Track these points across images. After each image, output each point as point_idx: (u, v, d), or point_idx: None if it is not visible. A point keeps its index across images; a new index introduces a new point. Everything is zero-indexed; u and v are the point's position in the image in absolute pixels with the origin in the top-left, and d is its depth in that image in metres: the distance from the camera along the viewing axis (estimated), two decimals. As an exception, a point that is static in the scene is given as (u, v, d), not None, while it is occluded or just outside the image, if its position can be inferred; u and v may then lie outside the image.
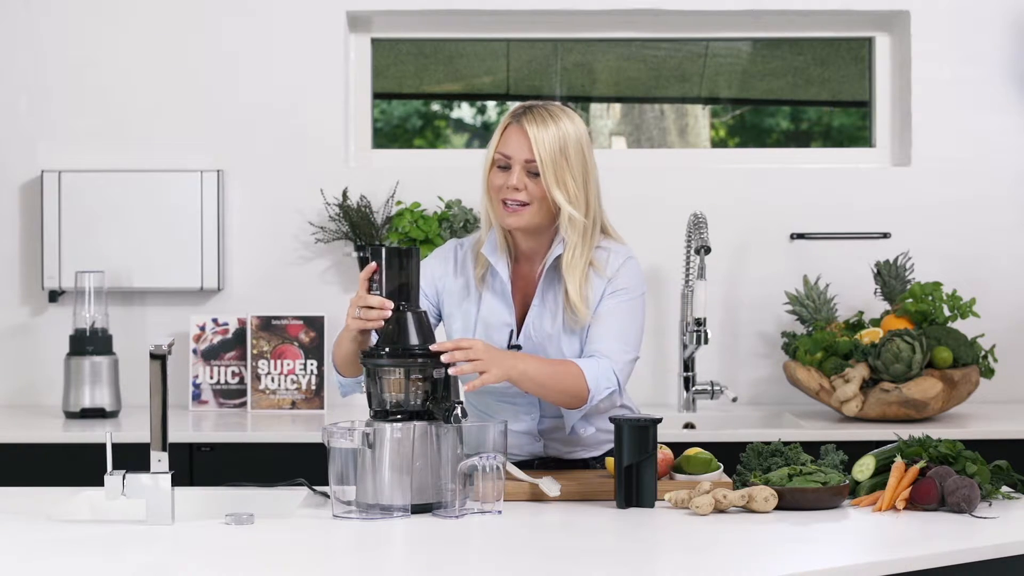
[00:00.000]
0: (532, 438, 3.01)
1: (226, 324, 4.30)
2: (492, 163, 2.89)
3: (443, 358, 2.67)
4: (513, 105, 3.01)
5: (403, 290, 2.70)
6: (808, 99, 4.79)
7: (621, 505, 2.70)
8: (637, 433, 2.70)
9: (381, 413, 2.67)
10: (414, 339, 2.68)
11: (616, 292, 2.91)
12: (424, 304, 2.93)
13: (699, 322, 4.15)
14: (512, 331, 2.94)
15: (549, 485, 2.77)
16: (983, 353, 4.05)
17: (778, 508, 2.65)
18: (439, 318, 3.03)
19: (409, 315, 2.69)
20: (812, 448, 2.96)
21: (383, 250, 2.70)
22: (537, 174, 2.85)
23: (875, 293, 4.29)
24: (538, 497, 2.77)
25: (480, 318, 2.96)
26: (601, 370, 2.85)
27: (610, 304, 2.91)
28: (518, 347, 2.92)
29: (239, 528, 2.53)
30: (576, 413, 2.92)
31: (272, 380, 4.25)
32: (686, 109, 4.76)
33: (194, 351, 4.29)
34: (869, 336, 4.01)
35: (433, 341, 2.71)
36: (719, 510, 2.65)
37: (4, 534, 2.50)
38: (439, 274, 3.01)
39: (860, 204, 4.44)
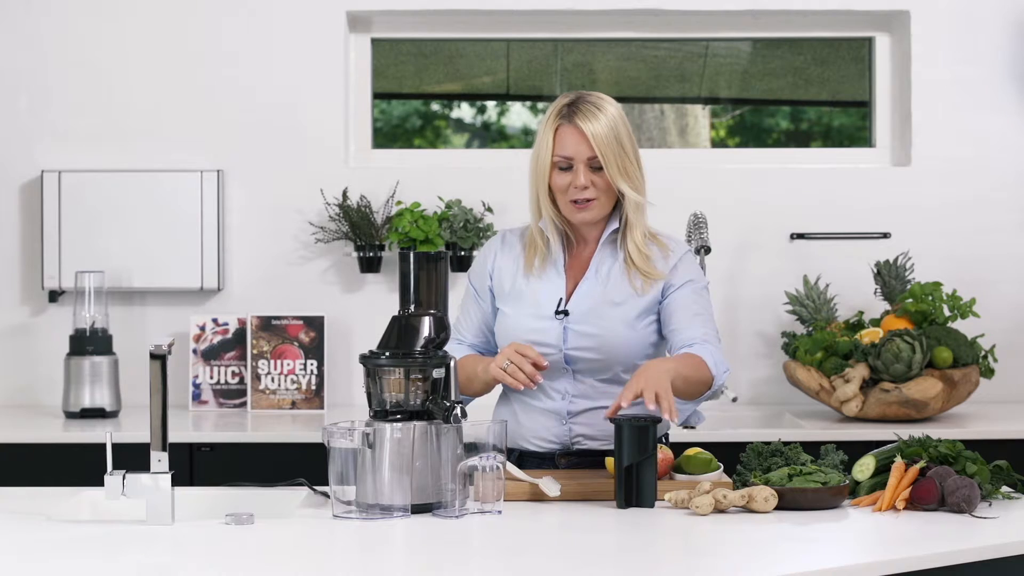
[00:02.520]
0: (559, 419, 3.01)
1: (226, 324, 4.30)
2: (552, 166, 2.96)
3: (654, 410, 2.72)
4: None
5: (431, 293, 2.72)
6: (808, 99, 4.79)
7: (621, 505, 2.70)
8: (637, 433, 2.70)
9: (381, 413, 2.67)
10: (421, 341, 2.68)
11: (684, 284, 3.00)
12: (485, 303, 3.06)
13: (699, 322, 4.14)
14: (561, 299, 2.99)
15: (549, 485, 2.77)
16: (983, 353, 4.05)
17: (778, 508, 2.65)
18: (494, 313, 3.08)
19: (426, 318, 2.70)
20: (812, 448, 2.96)
21: (411, 254, 2.72)
22: (598, 168, 2.93)
23: (875, 293, 4.29)
24: (538, 497, 2.77)
25: (530, 288, 3.01)
26: (717, 354, 2.94)
27: (685, 294, 2.99)
28: (566, 312, 2.97)
29: (239, 528, 2.53)
30: (695, 402, 2.99)
31: (272, 380, 4.25)
32: (686, 109, 4.76)
33: (194, 351, 4.29)
34: (869, 336, 4.01)
35: (442, 345, 2.72)
36: (719, 510, 2.65)
37: (4, 534, 2.50)
38: (490, 260, 3.08)
39: (860, 204, 4.44)
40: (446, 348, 2.85)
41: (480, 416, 2.90)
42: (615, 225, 3.00)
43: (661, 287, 2.99)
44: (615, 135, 2.93)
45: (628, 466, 2.70)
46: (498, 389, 3.09)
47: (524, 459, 3.02)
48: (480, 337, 3.09)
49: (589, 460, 3.01)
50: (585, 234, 3.04)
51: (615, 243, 3.02)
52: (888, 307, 4.23)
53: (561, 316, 2.97)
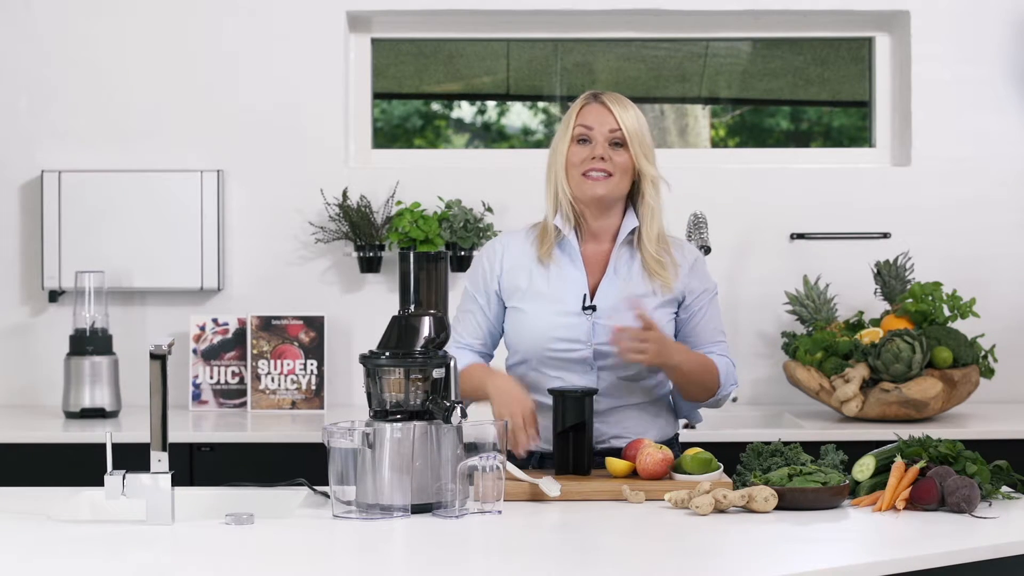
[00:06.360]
0: None
1: (226, 324, 4.31)
2: (572, 139, 3.00)
3: (621, 349, 2.86)
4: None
5: (431, 293, 2.73)
6: (808, 99, 4.79)
7: (558, 472, 2.86)
8: (573, 402, 2.86)
9: (381, 413, 2.67)
10: (421, 341, 2.69)
11: (702, 294, 3.06)
12: (489, 308, 3.07)
13: (699, 322, 4.15)
14: (585, 295, 3.00)
15: (549, 485, 2.77)
16: (983, 353, 4.05)
17: (778, 508, 2.65)
18: (503, 311, 3.09)
19: (426, 318, 2.70)
20: (812, 448, 2.96)
21: (411, 254, 2.73)
22: (619, 144, 2.97)
23: (875, 293, 4.29)
24: (538, 497, 2.77)
25: (551, 283, 3.02)
26: (730, 369, 3.05)
27: (703, 306, 3.06)
28: (593, 308, 2.98)
29: (239, 528, 2.53)
30: (697, 405, 3.09)
31: (272, 380, 4.25)
32: (686, 109, 4.76)
33: (194, 351, 4.29)
34: (869, 336, 4.01)
35: (442, 346, 2.72)
36: (719, 510, 2.65)
37: (4, 534, 2.50)
38: (497, 263, 3.08)
39: (860, 204, 4.44)
40: (450, 351, 2.85)
41: (482, 416, 2.90)
42: (633, 224, 3.01)
43: (680, 287, 3.02)
44: (639, 124, 2.99)
45: (564, 433, 2.85)
46: None
47: (545, 460, 3.03)
48: (480, 340, 3.09)
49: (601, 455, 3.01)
50: (596, 229, 3.03)
51: (632, 244, 3.03)
52: (888, 307, 4.23)
53: (589, 312, 2.98)
